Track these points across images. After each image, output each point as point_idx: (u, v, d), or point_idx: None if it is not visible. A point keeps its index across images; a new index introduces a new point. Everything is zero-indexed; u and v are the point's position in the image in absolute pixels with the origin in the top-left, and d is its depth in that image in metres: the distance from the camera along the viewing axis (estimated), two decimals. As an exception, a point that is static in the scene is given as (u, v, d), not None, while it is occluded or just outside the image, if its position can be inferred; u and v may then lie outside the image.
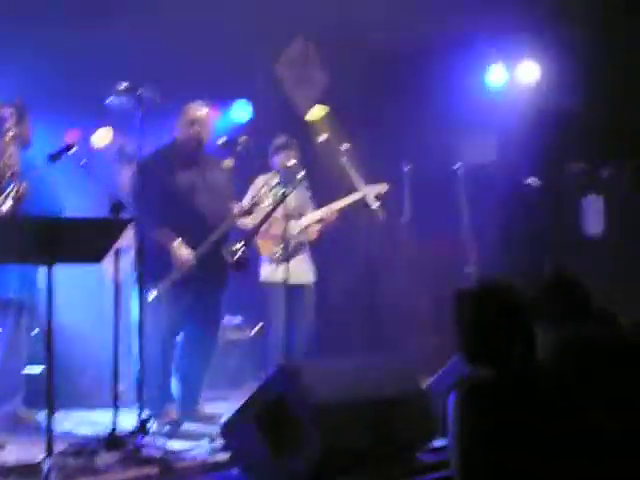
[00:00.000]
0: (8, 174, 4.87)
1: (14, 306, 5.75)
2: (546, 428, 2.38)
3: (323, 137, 6.31)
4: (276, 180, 6.34)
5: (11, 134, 5.01)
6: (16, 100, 5.45)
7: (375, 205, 6.11)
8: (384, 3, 7.41)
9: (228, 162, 6.38)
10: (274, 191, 6.37)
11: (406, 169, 7.17)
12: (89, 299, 6.69)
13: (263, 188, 6.24)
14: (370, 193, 6.44)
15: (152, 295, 5.48)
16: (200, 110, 5.90)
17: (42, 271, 4.79)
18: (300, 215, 6.90)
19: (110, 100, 5.51)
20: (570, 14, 7.89)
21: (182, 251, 5.69)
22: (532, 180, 7.50)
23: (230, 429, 4.42)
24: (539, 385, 2.46)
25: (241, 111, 8.29)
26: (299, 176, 6.12)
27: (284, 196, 5.96)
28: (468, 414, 2.42)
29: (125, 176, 6.66)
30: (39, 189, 5.37)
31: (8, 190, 4.80)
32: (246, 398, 4.44)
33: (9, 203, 4.77)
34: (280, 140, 6.74)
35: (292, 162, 6.46)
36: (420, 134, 8.07)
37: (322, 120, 8.52)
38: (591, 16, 7.85)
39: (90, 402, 6.44)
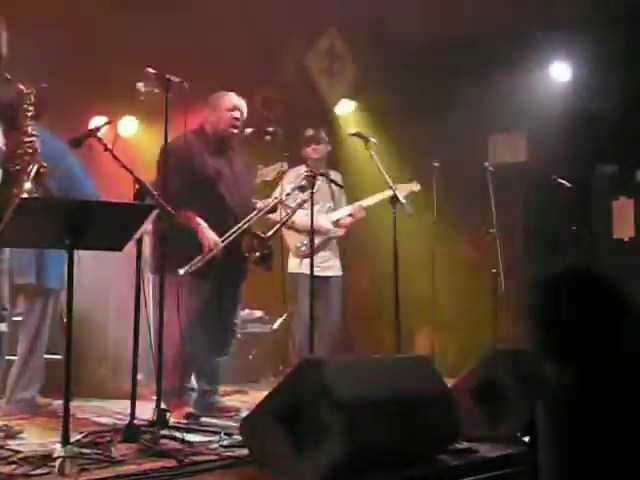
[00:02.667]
0: (28, 154, 4.73)
1: (42, 293, 5.69)
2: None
3: (352, 131, 6.21)
4: (303, 182, 6.27)
5: (29, 114, 4.89)
6: (37, 82, 5.34)
7: (405, 201, 5.98)
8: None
9: None
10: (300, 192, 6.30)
11: (435, 165, 7.05)
12: (110, 287, 6.63)
13: (290, 185, 6.13)
14: (401, 192, 6.32)
15: (179, 273, 5.36)
16: (239, 98, 5.80)
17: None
18: (330, 209, 6.87)
19: (139, 86, 5.41)
20: (605, 15, 7.78)
21: (210, 234, 5.57)
22: (563, 181, 7.37)
23: (250, 425, 4.31)
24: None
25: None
26: (328, 176, 6.14)
27: (310, 197, 5.84)
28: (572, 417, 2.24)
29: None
30: (69, 174, 5.34)
31: (29, 170, 4.68)
32: (267, 393, 4.33)
33: (29, 184, 4.65)
34: (309, 132, 6.71)
35: (317, 155, 6.70)
36: (451, 131, 7.95)
37: (351, 114, 8.46)
38: (625, 18, 7.75)
39: (107, 392, 6.37)
